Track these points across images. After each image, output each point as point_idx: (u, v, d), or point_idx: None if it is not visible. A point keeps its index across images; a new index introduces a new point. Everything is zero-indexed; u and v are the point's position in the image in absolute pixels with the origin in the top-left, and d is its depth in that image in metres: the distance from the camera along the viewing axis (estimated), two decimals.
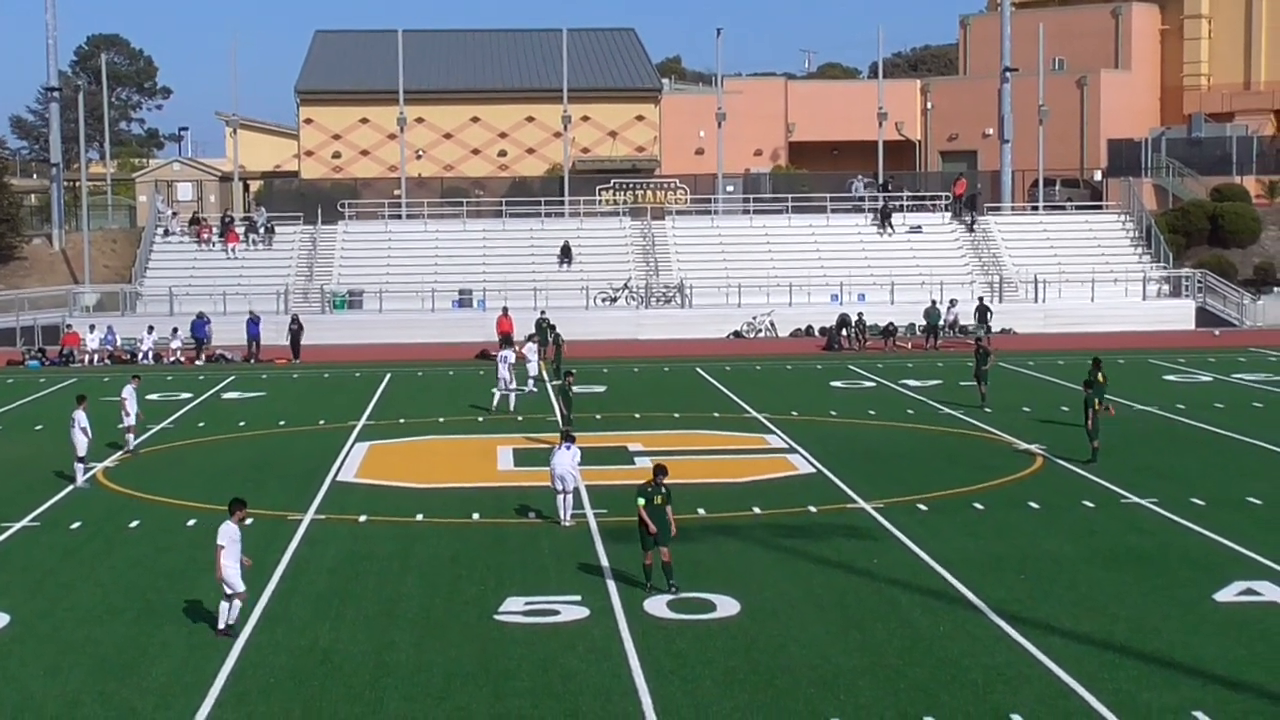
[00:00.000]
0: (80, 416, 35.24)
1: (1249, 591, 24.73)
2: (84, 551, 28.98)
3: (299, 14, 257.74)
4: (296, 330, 64.80)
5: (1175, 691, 20.01)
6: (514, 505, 32.50)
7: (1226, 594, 24.60)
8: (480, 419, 46.29)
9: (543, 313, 63.35)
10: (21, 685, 20.94)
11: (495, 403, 47.63)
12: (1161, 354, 62.08)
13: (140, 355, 65.02)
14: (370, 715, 19.54)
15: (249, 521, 24.85)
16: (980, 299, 70.98)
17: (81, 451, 35.24)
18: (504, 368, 48.06)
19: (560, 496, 30.43)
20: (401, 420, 46.28)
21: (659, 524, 24.89)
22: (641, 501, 25.08)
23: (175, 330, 66.13)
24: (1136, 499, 32.38)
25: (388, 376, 57.40)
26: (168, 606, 24.75)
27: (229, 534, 22.98)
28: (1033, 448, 39.11)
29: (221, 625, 22.92)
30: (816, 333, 70.31)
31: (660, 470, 25.67)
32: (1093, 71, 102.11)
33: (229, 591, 22.90)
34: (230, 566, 22.82)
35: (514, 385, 48.29)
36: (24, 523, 31.57)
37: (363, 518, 31.43)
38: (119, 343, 66.52)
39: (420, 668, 21.41)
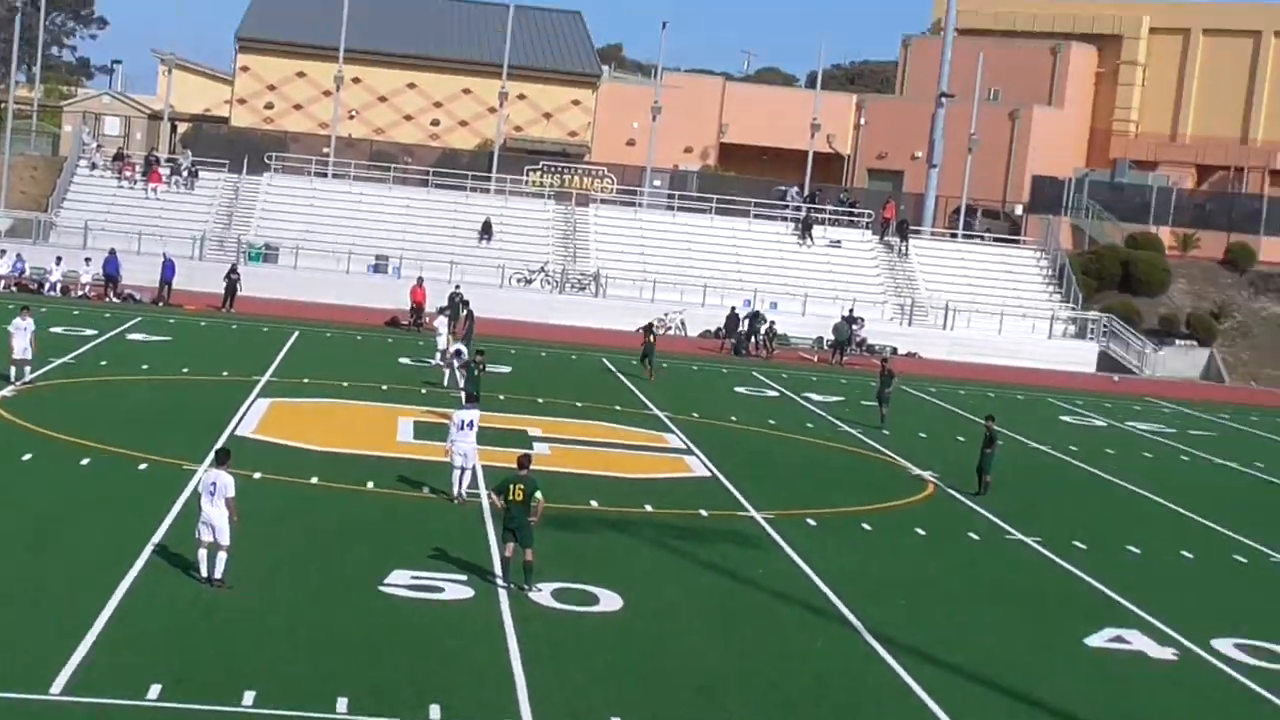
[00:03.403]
0: None
1: (1119, 639, 25.25)
2: None
3: None
4: (235, 280, 64.57)
5: None
6: (409, 478, 32.64)
7: (1097, 639, 25.11)
8: (423, 390, 46.25)
9: (457, 287, 63.27)
10: None
11: (446, 378, 47.63)
12: (1061, 394, 62.94)
13: (47, 286, 64.44)
14: (247, 673, 19.61)
15: None
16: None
17: None
18: (443, 339, 50.34)
19: (457, 473, 30.63)
20: (305, 380, 46.24)
21: (517, 519, 24.67)
22: (493, 492, 25.40)
23: (88, 261, 65.59)
24: (1021, 536, 32.91)
25: (296, 334, 57.26)
26: (54, 543, 24.78)
27: (234, 483, 23.36)
28: (926, 474, 39.66)
29: (219, 575, 23.08)
30: (721, 335, 70.03)
31: (522, 461, 25.60)
32: (1026, 105, 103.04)
33: (227, 542, 23.12)
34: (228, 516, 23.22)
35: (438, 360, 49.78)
36: None
37: (258, 474, 31.39)
38: (27, 271, 65.81)
39: (300, 630, 21.56)
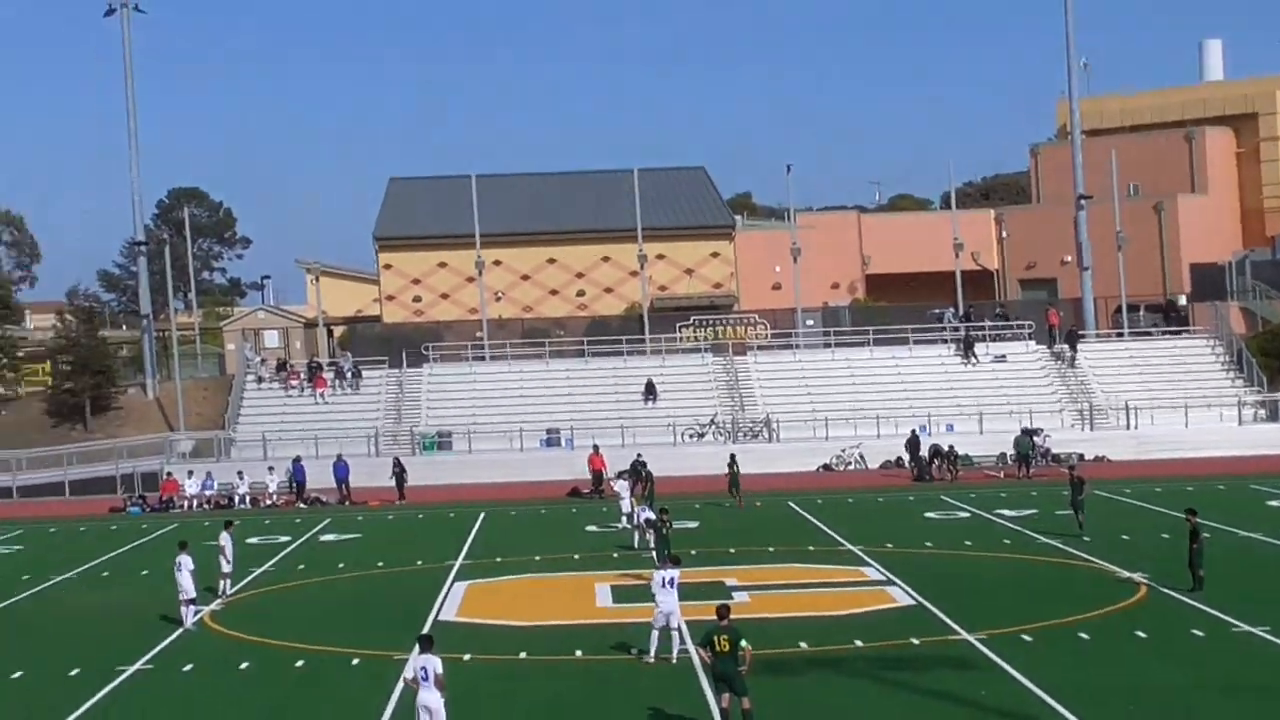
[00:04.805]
0: (186, 560, 35.80)
1: None
2: (200, 694, 29.24)
3: (373, 162, 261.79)
4: (400, 472, 65.61)
5: None
6: (614, 642, 32.50)
7: None
8: (615, 555, 46.37)
9: (640, 455, 62.84)
10: None
11: (636, 539, 47.71)
12: (1264, 479, 61.20)
13: (237, 500, 65.75)
14: None
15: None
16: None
17: (191, 594, 35.74)
18: (626, 502, 51.23)
19: (656, 632, 30.37)
20: (498, 559, 46.47)
21: (727, 670, 24.39)
22: (699, 647, 25.21)
23: (271, 470, 66.98)
24: (1248, 627, 31.95)
25: (481, 516, 57.70)
26: None
27: (440, 663, 23.70)
28: (1135, 576, 38.79)
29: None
30: (906, 463, 69.39)
31: (721, 611, 25.22)
32: (1169, 196, 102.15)
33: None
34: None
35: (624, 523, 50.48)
36: (138, 665, 31.83)
37: (467, 656, 31.49)
38: (216, 488, 67.23)
39: None
